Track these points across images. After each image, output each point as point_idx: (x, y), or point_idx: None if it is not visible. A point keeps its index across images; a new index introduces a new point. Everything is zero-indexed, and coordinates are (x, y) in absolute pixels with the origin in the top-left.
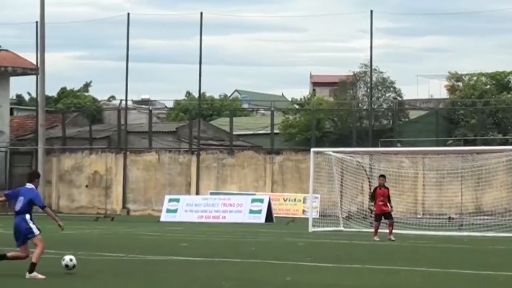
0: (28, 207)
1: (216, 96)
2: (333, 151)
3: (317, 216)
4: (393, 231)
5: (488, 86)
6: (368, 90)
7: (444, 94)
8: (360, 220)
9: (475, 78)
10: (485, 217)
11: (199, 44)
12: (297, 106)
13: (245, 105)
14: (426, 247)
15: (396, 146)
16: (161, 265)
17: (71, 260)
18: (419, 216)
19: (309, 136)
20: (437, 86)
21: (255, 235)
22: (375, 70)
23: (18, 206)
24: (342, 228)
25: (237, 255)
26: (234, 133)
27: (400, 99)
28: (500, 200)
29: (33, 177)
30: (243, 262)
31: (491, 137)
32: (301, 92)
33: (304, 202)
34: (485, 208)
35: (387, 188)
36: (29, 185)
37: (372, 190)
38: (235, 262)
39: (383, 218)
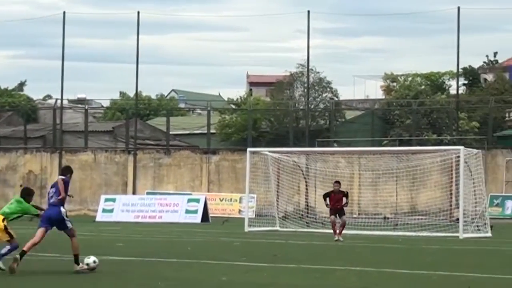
0: (60, 199)
1: (153, 96)
2: (270, 151)
3: (253, 216)
4: (330, 231)
5: (423, 87)
6: (305, 90)
7: (380, 94)
8: (296, 220)
9: (410, 78)
10: (420, 217)
11: (136, 44)
12: (233, 106)
13: (182, 105)
14: (361, 247)
15: (333, 146)
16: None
17: (94, 262)
18: (355, 216)
19: (246, 136)
20: (373, 86)
21: (191, 235)
22: (312, 70)
23: (50, 199)
24: (278, 228)
25: (173, 255)
26: (170, 132)
27: (336, 99)
28: (434, 200)
29: (65, 172)
30: (179, 262)
31: (426, 137)
32: (237, 92)
33: (240, 202)
34: (419, 208)
35: (342, 193)
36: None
37: (325, 192)
38: (171, 262)
39: (337, 216)
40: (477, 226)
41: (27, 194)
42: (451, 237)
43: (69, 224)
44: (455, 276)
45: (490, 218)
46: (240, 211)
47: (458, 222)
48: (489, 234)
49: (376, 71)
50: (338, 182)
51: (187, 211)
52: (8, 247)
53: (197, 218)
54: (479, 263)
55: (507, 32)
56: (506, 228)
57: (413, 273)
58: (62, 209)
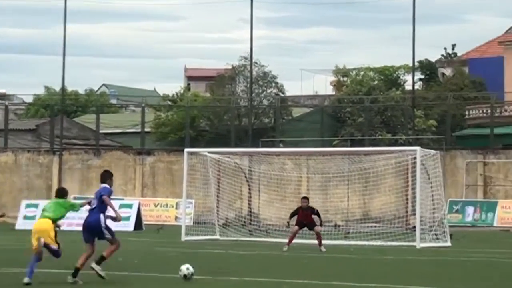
0: (100, 206)
1: (82, 91)
2: (209, 152)
3: (191, 224)
4: (275, 240)
5: (376, 82)
6: (248, 85)
7: (329, 90)
8: (238, 228)
9: (362, 73)
10: (373, 224)
11: (63, 33)
12: (169, 103)
13: (114, 101)
14: (309, 257)
15: (278, 147)
16: (15, 278)
17: (187, 269)
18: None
19: (183, 135)
20: (323, 81)
21: (123, 244)
22: (256, 63)
23: (93, 205)
24: (218, 237)
25: (102, 267)
26: (101, 131)
27: (282, 95)
28: (388, 205)
29: (105, 178)
30: (108, 274)
31: (380, 137)
32: (174, 87)
33: (176, 207)
34: (373, 214)
35: (311, 209)
36: (103, 185)
37: (293, 211)
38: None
39: (306, 228)
40: (435, 234)
41: (65, 194)
42: (407, 246)
43: (107, 234)
44: None
45: (450, 225)
46: (176, 218)
47: (414, 230)
48: (448, 243)
49: (325, 64)
50: (306, 198)
51: None
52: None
53: (129, 226)
54: (437, 274)
55: (467, 23)
56: (467, 236)
57: (364, 286)
58: (101, 216)
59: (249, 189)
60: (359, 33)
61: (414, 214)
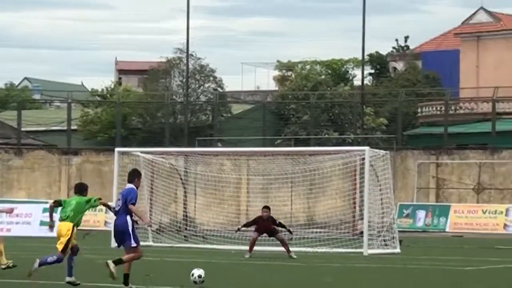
0: (126, 208)
1: (1, 85)
2: (142, 152)
3: None
4: (212, 246)
5: (323, 77)
6: (184, 79)
7: (272, 85)
8: (173, 234)
9: (308, 67)
10: (318, 230)
11: None
12: (99, 98)
13: (37, 96)
14: (248, 265)
15: (216, 146)
16: None
17: (199, 276)
18: (243, 229)
19: (114, 134)
20: (265, 76)
21: (47, 251)
22: (192, 56)
23: (117, 206)
24: (151, 243)
25: (23, 277)
26: (22, 129)
27: (221, 90)
28: (334, 210)
29: (132, 177)
30: (30, 284)
31: (326, 136)
32: (103, 81)
33: (106, 212)
34: (318, 219)
35: (271, 220)
36: (129, 185)
37: (251, 220)
38: (20, 285)
39: (267, 235)
40: (384, 240)
41: (84, 189)
42: (354, 253)
43: (132, 242)
44: None
45: (399, 231)
46: (106, 222)
47: (362, 236)
48: (397, 250)
49: (268, 58)
50: (267, 208)
51: (43, 223)
52: (55, 257)
53: (54, 231)
54: (384, 283)
55: (420, 13)
56: (417, 242)
57: None
58: (128, 219)
59: (185, 192)
60: (305, 24)
61: (362, 219)
